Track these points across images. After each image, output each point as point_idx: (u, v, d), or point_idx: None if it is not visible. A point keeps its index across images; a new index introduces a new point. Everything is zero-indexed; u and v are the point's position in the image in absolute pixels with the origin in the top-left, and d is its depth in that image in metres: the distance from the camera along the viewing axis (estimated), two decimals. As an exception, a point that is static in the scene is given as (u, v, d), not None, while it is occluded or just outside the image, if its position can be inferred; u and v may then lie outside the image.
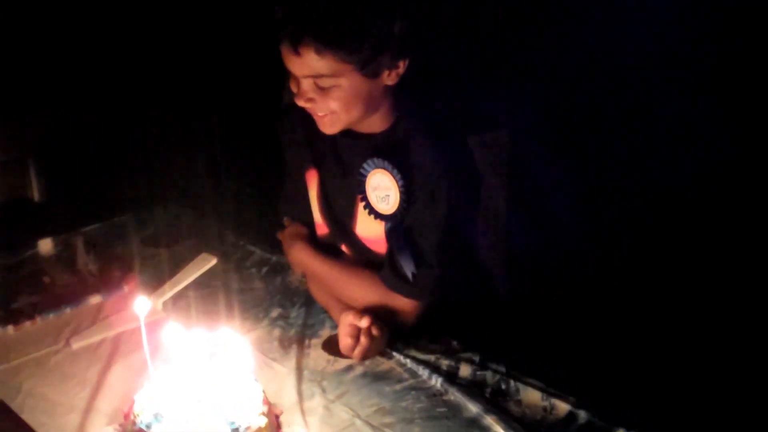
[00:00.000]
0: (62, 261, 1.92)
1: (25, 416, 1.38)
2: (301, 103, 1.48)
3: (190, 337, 1.31)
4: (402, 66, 1.46)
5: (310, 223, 1.72)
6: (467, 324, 1.60)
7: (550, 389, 1.42)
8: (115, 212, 2.18)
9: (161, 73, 2.53)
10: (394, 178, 1.48)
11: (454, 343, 1.57)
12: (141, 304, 1.34)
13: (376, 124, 1.55)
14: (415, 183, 1.49)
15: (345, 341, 1.51)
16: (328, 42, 1.38)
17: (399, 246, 1.51)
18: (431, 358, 1.53)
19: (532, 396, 1.42)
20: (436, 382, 1.46)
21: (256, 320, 1.68)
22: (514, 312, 1.63)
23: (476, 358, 1.51)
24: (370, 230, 1.59)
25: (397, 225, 1.52)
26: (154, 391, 1.29)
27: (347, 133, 1.55)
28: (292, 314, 1.70)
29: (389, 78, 1.47)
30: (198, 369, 1.28)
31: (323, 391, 1.44)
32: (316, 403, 1.41)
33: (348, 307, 1.57)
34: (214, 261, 1.81)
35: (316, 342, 1.60)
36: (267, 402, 1.29)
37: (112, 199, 2.36)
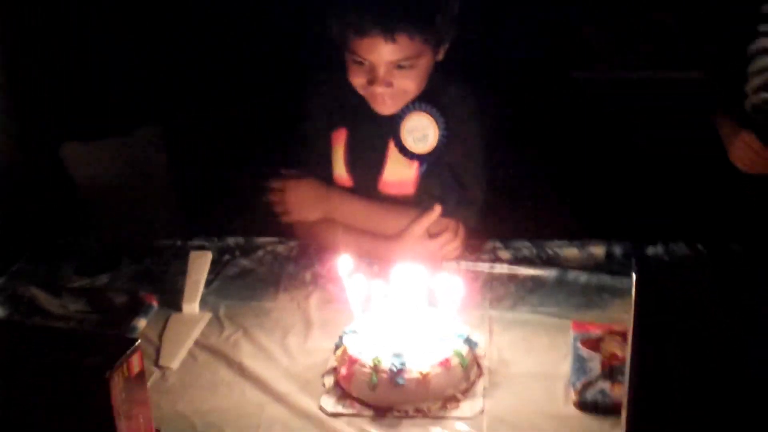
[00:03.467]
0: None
1: None
2: (379, 89, 1.61)
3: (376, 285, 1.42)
4: (449, 41, 1.66)
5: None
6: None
7: (578, 242, 1.81)
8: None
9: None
10: (433, 116, 1.68)
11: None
12: (344, 261, 1.43)
13: None
14: (453, 120, 1.69)
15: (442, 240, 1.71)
16: (422, 25, 1.55)
17: (440, 180, 1.72)
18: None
19: (569, 252, 1.80)
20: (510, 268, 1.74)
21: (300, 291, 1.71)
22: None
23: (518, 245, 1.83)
24: (397, 174, 1.75)
25: (436, 161, 1.71)
26: (363, 337, 1.37)
27: None
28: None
29: (442, 52, 1.67)
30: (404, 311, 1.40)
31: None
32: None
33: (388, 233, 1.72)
34: (209, 254, 1.77)
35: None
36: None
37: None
